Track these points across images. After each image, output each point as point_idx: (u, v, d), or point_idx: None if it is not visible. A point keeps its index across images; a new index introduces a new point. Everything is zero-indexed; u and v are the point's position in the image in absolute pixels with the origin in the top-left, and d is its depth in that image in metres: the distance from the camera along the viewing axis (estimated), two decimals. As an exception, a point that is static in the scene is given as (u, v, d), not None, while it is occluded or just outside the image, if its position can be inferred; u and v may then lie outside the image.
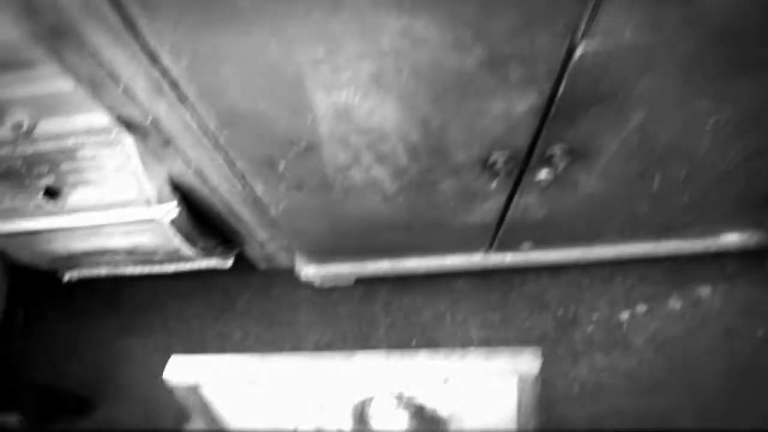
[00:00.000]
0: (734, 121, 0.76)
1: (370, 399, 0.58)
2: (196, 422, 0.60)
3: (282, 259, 1.39)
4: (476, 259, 1.29)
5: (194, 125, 0.78)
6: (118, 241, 1.07)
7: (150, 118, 0.78)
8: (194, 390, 0.56)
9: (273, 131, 0.72)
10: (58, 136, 0.90)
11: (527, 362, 0.54)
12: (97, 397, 1.41)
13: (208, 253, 1.17)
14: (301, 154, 0.76)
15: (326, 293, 1.45)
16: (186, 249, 1.09)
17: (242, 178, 0.91)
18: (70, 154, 0.92)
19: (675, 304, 1.36)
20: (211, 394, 0.59)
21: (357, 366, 0.53)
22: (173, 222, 0.98)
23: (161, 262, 1.24)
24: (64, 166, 0.93)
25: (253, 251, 1.33)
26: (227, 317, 1.46)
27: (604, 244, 1.28)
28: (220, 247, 1.22)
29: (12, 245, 1.07)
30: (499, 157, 0.80)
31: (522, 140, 0.76)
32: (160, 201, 0.96)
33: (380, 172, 0.83)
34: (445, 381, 0.56)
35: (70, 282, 1.32)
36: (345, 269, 1.31)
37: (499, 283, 1.41)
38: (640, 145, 0.81)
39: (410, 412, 0.59)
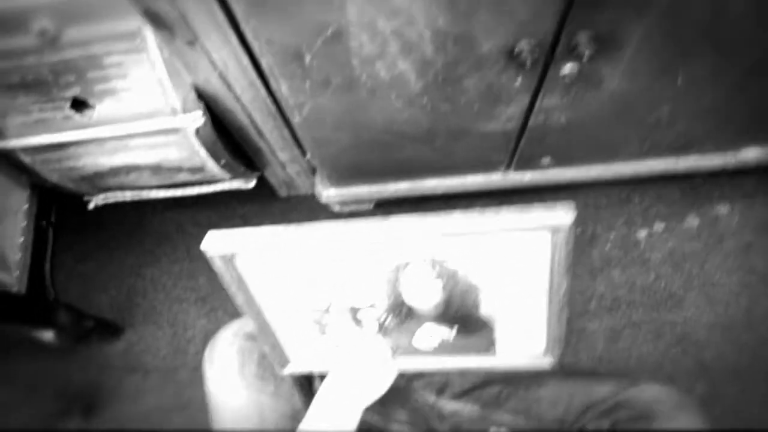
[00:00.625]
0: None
1: (404, 267, 0.59)
2: (235, 297, 0.62)
3: (302, 185, 1.40)
4: (495, 179, 1.30)
5: (221, 17, 0.79)
6: (144, 156, 1.08)
7: (178, 10, 0.78)
8: (230, 261, 0.57)
9: (301, 16, 0.72)
10: (85, 43, 0.90)
11: (560, 215, 0.55)
12: (126, 322, 1.45)
13: (231, 171, 1.18)
14: (328, 43, 0.77)
15: (345, 219, 1.47)
16: (210, 163, 1.10)
17: (266, 80, 0.92)
18: (96, 61, 0.92)
19: (692, 222, 1.37)
20: (246, 266, 0.60)
21: (391, 228, 0.54)
22: (198, 132, 1.00)
23: (185, 184, 1.26)
24: (91, 75, 0.94)
25: (274, 175, 1.34)
26: (249, 244, 1.48)
27: (623, 161, 1.28)
28: (243, 167, 1.23)
29: (40, 161, 1.09)
30: (524, 46, 0.80)
31: (548, 25, 0.76)
32: (185, 110, 0.97)
33: (405, 67, 0.84)
34: (480, 235, 0.55)
35: (96, 208, 1.34)
36: (364, 191, 1.32)
37: (517, 204, 1.42)
38: (666, 33, 0.81)
39: (443, 280, 0.59)
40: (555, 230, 0.54)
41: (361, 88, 0.88)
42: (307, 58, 0.81)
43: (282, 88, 0.89)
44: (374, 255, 0.57)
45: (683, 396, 0.82)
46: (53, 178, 1.15)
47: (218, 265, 0.59)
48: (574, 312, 1.31)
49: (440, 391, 1.07)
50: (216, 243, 0.57)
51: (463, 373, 1.09)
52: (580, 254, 1.36)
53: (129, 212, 1.50)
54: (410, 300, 0.62)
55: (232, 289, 0.61)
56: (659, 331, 1.28)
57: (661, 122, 1.08)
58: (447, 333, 0.67)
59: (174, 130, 1.00)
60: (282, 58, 0.81)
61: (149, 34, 0.89)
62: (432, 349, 0.70)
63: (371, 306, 0.63)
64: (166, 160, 1.10)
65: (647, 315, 1.29)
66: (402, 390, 1.06)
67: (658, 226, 1.37)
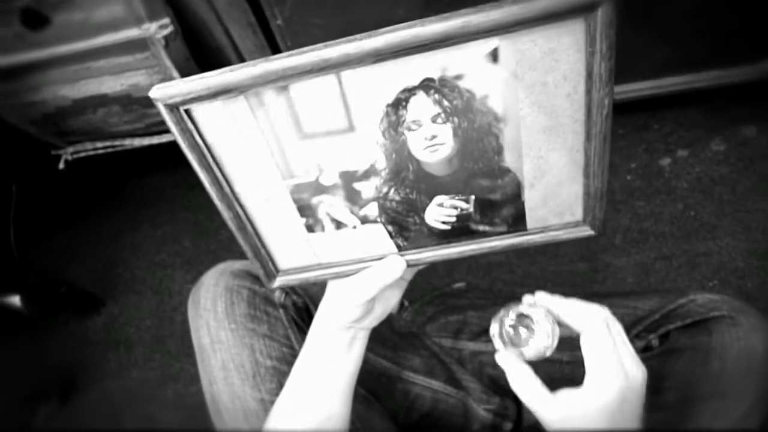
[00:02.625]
0: None
1: (404, 103, 0.44)
2: (201, 177, 0.48)
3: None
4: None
5: None
6: (111, 83, 0.96)
7: None
8: (184, 117, 0.45)
9: None
10: (31, -61, 0.79)
11: None
12: (106, 294, 1.32)
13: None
14: None
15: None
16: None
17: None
18: (46, -38, 0.81)
19: (718, 146, 1.26)
20: (210, 129, 0.47)
21: (383, 42, 0.40)
22: (167, 44, 0.87)
23: (161, 128, 1.14)
24: (42, -20, 0.82)
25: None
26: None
27: (642, 80, 1.18)
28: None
29: (-6, 96, 0.96)
30: None
31: None
32: (150, 17, 0.85)
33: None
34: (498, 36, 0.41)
35: (68, 170, 1.22)
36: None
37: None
38: None
39: (455, 122, 0.46)
40: (589, 10, 0.39)
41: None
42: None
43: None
44: (366, 89, 0.44)
45: (741, 302, 0.71)
46: (11, 119, 1.02)
47: (171, 123, 0.45)
48: (598, 247, 1.19)
49: (457, 332, 0.95)
50: (165, 89, 0.43)
51: (480, 314, 0.97)
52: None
53: (104, 175, 1.37)
54: (416, 151, 0.47)
55: (195, 163, 0.48)
56: (693, 262, 1.16)
57: (682, 32, 0.98)
58: (464, 203, 0.53)
59: (140, 45, 0.88)
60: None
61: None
62: (449, 227, 0.54)
63: (370, 168, 0.48)
64: (135, 89, 0.98)
65: (678, 247, 1.18)
66: (414, 336, 0.94)
67: (682, 153, 1.26)
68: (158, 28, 0.86)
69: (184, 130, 0.46)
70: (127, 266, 1.34)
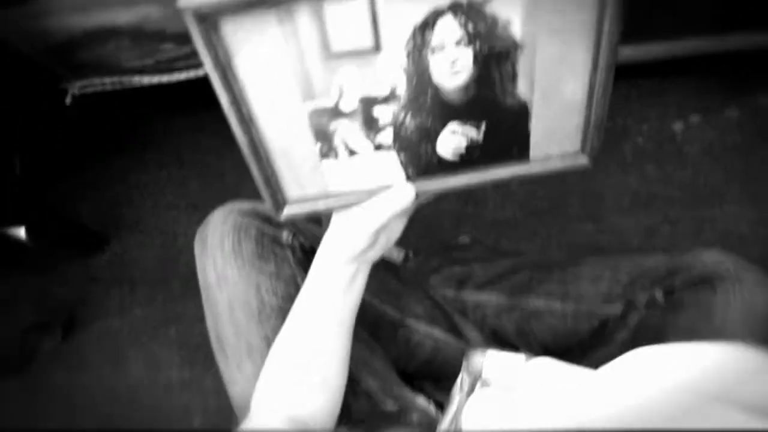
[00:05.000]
0: None
1: (431, 25, 0.44)
2: (220, 93, 0.47)
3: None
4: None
5: None
6: (123, 15, 0.94)
7: None
8: (211, 29, 0.43)
9: None
10: None
11: None
12: (110, 232, 1.32)
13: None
14: None
15: None
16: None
17: None
18: None
19: (732, 113, 1.24)
20: (235, 44, 0.46)
21: None
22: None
23: (171, 65, 1.13)
24: None
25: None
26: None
27: (657, 41, 1.16)
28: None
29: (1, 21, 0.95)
30: None
31: None
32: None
33: None
34: None
35: (74, 105, 1.20)
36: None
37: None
38: None
39: (476, 46, 0.45)
40: None
41: None
42: None
43: None
44: (397, 8, 0.43)
45: (745, 261, 0.71)
46: (22, 47, 1.01)
47: (197, 36, 0.44)
48: (606, 208, 1.19)
49: (461, 283, 0.95)
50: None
51: (485, 266, 0.97)
52: (611, 148, 1.23)
53: (111, 113, 1.36)
54: (437, 76, 0.47)
55: (217, 81, 0.47)
56: (699, 228, 1.16)
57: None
58: (475, 132, 0.53)
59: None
60: None
61: None
62: (457, 157, 0.55)
63: (390, 93, 0.48)
64: (147, 20, 0.96)
65: (685, 211, 1.17)
66: (418, 287, 0.94)
67: (695, 119, 1.25)
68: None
69: (210, 45, 0.45)
70: (132, 206, 1.34)
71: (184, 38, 1.01)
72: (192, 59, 1.11)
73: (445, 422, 0.50)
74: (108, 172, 1.37)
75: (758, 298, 0.68)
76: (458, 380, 0.53)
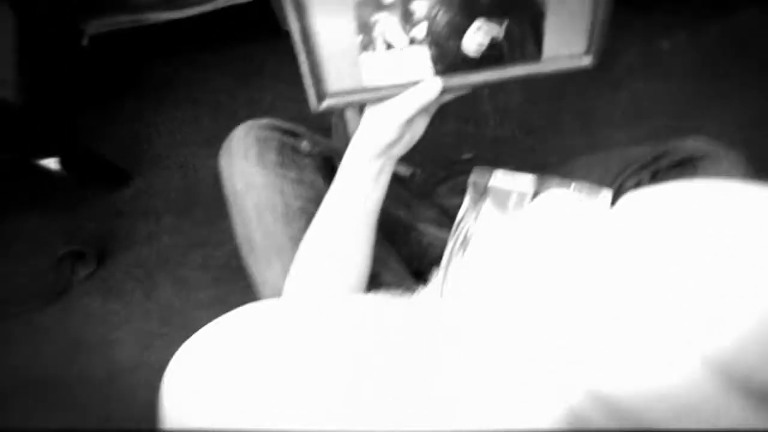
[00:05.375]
0: None
1: None
2: None
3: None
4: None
5: None
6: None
7: None
8: None
9: None
10: None
11: None
12: (133, 168, 1.39)
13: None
14: None
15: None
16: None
17: None
18: None
19: (716, 29, 1.31)
20: None
21: None
22: None
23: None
24: None
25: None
26: (256, 84, 1.42)
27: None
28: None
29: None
30: None
31: None
32: None
33: None
34: None
35: (90, 47, 1.26)
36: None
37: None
38: None
39: None
40: None
41: None
42: None
43: None
44: None
45: (729, 147, 0.79)
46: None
47: None
48: (597, 121, 1.27)
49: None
50: None
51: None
52: (600, 68, 1.30)
53: (124, 55, 1.42)
54: None
55: None
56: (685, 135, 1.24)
57: None
58: (497, 29, 0.61)
59: None
60: None
61: None
62: (479, 54, 0.63)
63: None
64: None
65: (671, 124, 1.26)
66: (427, 197, 1.02)
67: (681, 36, 1.32)
68: None
69: None
70: (151, 143, 1.41)
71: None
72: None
73: (453, 234, 0.58)
74: (124, 111, 1.43)
75: (736, 175, 0.75)
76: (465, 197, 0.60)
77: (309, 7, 0.57)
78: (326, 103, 0.66)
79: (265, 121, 0.83)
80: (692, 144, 0.80)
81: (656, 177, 0.82)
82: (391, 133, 0.64)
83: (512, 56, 0.63)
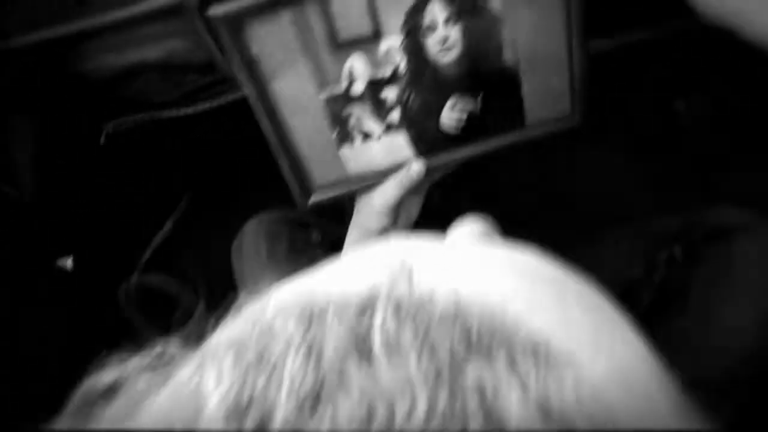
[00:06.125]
0: None
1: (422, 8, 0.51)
2: (247, 89, 0.55)
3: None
4: None
5: None
6: (152, 51, 1.04)
7: None
8: (239, 30, 0.51)
9: None
10: None
11: None
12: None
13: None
14: None
15: None
16: (218, 56, 1.06)
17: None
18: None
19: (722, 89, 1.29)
20: (259, 39, 0.53)
21: None
22: (199, 11, 0.95)
23: (197, 95, 1.22)
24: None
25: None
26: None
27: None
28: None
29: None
30: None
31: None
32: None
33: None
34: None
35: (107, 139, 1.30)
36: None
37: None
38: None
39: (463, 23, 0.53)
40: None
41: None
42: None
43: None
44: None
45: (761, 217, 0.75)
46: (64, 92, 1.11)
47: (228, 39, 0.52)
48: (618, 189, 1.24)
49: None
50: (223, 6, 0.50)
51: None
52: (611, 130, 1.28)
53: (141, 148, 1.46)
54: (433, 54, 0.55)
55: (245, 78, 0.55)
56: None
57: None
58: (473, 103, 0.61)
59: (176, 10, 0.96)
60: None
61: None
62: (459, 130, 0.62)
63: (393, 74, 0.56)
64: (174, 53, 1.05)
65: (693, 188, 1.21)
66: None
67: (695, 97, 1.29)
68: (192, -3, 0.93)
69: (239, 45, 0.53)
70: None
71: (208, 68, 1.10)
72: (214, 88, 1.20)
73: None
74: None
75: None
76: None
77: (280, 112, 0.58)
78: (314, 199, 0.66)
79: (275, 215, 0.83)
80: (724, 214, 0.76)
81: (690, 251, 0.77)
82: (381, 220, 0.64)
83: (495, 127, 0.63)
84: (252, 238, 0.83)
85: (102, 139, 1.32)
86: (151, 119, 1.28)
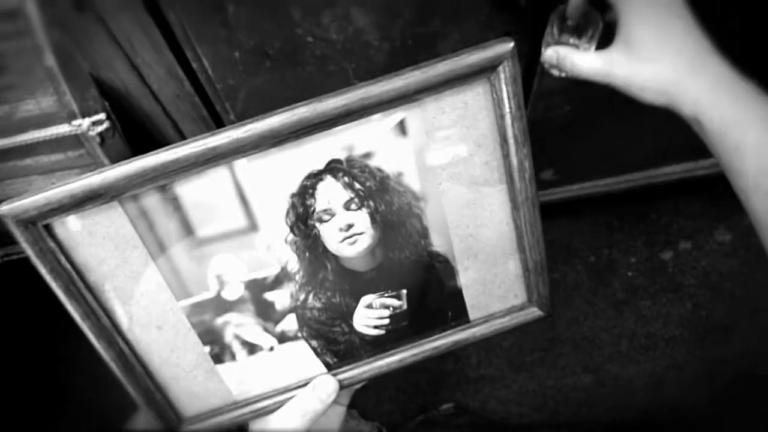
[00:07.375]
0: None
1: (311, 190, 0.36)
2: (68, 303, 0.38)
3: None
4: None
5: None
6: (41, 185, 0.87)
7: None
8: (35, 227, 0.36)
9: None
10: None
11: (496, 47, 0.36)
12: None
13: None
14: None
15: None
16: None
17: (189, 63, 0.73)
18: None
19: (723, 236, 1.15)
20: (80, 245, 0.37)
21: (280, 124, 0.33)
22: (103, 141, 0.79)
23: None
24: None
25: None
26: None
27: (636, 172, 1.09)
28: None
29: None
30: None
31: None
32: (84, 113, 0.78)
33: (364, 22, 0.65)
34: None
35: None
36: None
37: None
38: None
39: (371, 206, 0.38)
40: (490, 70, 0.36)
41: (308, 57, 0.69)
42: (230, 10, 0.63)
43: (205, 64, 0.70)
44: (265, 179, 0.36)
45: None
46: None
47: (26, 244, 0.36)
48: (603, 356, 1.05)
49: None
50: (17, 203, 0.35)
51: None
52: (599, 285, 1.12)
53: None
54: (333, 245, 0.38)
55: (61, 292, 0.38)
56: (710, 370, 1.01)
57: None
58: (396, 300, 0.43)
59: (73, 142, 0.80)
60: (198, 18, 0.63)
61: (33, 11, 0.71)
62: (382, 332, 0.45)
63: (282, 273, 0.39)
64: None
65: (691, 353, 1.04)
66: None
67: (685, 245, 1.15)
68: (91, 125, 0.78)
69: (44, 251, 0.36)
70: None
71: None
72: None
73: None
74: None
75: None
76: None
77: (122, 328, 0.40)
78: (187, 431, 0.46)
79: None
80: None
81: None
82: None
83: (430, 325, 0.46)
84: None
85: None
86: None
